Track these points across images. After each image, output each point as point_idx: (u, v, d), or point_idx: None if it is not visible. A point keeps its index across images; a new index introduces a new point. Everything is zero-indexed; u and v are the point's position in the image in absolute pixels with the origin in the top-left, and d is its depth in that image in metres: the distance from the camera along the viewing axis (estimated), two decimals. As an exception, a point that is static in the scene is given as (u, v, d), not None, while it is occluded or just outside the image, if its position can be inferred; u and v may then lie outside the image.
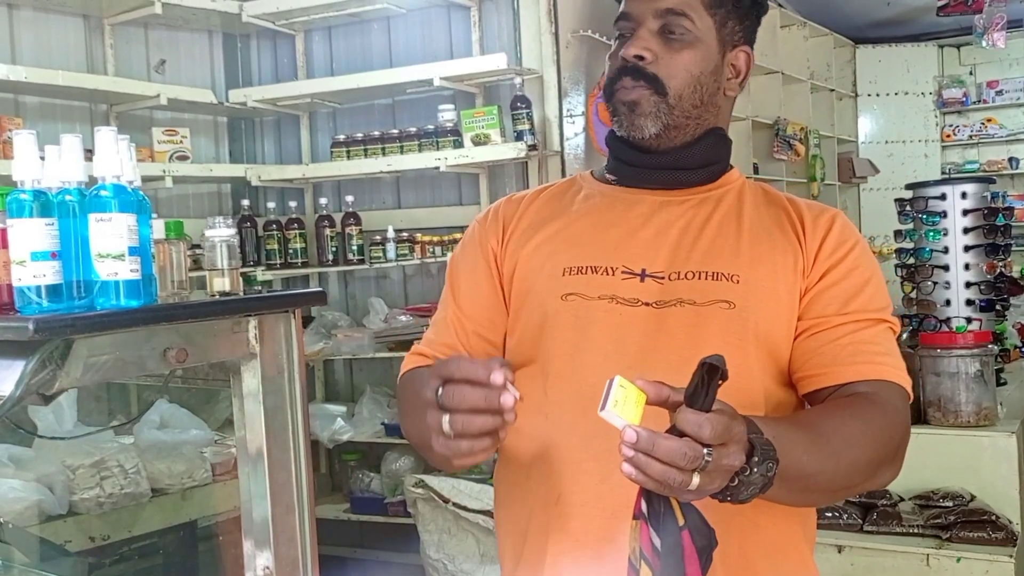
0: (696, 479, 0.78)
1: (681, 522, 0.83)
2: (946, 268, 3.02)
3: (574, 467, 1.08)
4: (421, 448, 1.10)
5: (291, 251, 3.64)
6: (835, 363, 1.08)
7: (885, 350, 1.10)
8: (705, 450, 0.77)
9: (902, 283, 3.20)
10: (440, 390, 0.87)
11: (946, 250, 3.03)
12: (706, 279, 1.10)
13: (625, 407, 0.79)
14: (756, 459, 0.83)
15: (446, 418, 0.86)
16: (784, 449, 0.86)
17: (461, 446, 0.86)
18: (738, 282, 1.10)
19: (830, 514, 2.68)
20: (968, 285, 3.00)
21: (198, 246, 2.41)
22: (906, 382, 1.10)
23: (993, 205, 3.06)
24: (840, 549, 2.64)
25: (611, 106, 1.18)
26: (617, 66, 1.16)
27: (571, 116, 3.41)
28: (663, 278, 1.12)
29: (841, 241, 1.14)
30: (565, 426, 1.09)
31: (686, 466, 0.77)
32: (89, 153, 1.16)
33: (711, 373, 0.79)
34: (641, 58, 1.13)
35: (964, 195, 3.02)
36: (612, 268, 1.13)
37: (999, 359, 2.98)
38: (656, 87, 1.13)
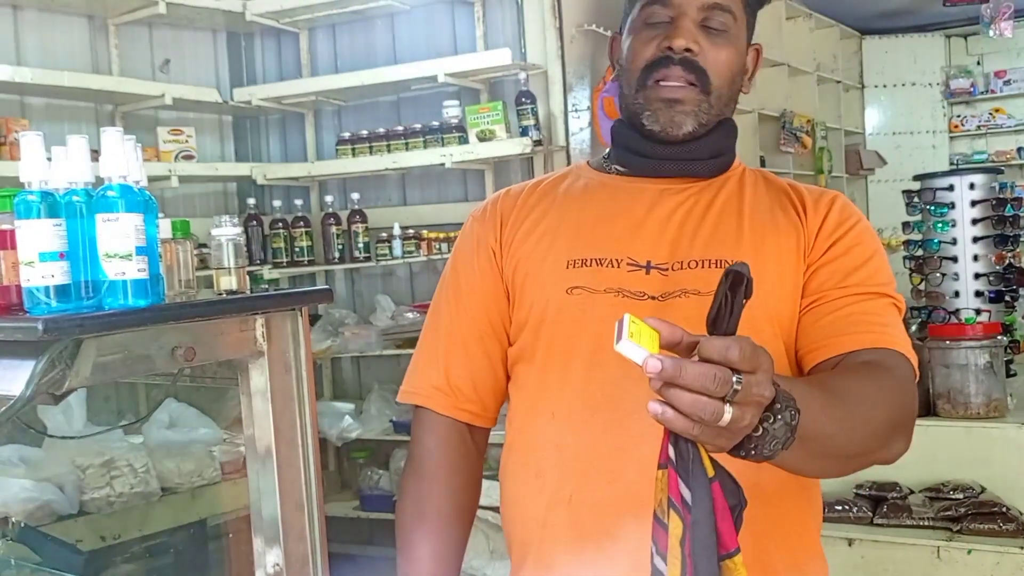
0: (728, 412, 0.72)
1: (711, 473, 0.77)
2: (955, 259, 3.01)
3: (585, 466, 1.07)
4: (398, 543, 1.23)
5: (297, 249, 3.64)
6: (836, 334, 1.06)
7: (887, 321, 1.07)
8: (735, 376, 0.72)
9: (910, 275, 3.19)
10: None
11: (954, 241, 3.01)
12: (709, 267, 1.09)
13: (641, 340, 0.73)
14: (779, 406, 0.77)
15: None
16: (804, 405, 0.81)
17: None
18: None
19: (840, 507, 2.68)
20: (977, 276, 2.98)
21: (205, 245, 2.42)
22: (911, 355, 1.06)
23: (1001, 195, 3.05)
24: (850, 542, 2.63)
25: (642, 97, 1.13)
26: (659, 55, 1.11)
27: (576, 111, 3.41)
28: (667, 269, 1.10)
29: (842, 219, 1.13)
30: (574, 424, 1.08)
31: (716, 390, 0.71)
32: (95, 154, 1.16)
33: (734, 288, 0.73)
34: (689, 51, 1.10)
35: (972, 186, 3.01)
36: (617, 260, 1.11)
37: (1008, 350, 2.97)
38: (703, 83, 1.11)
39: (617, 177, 1.20)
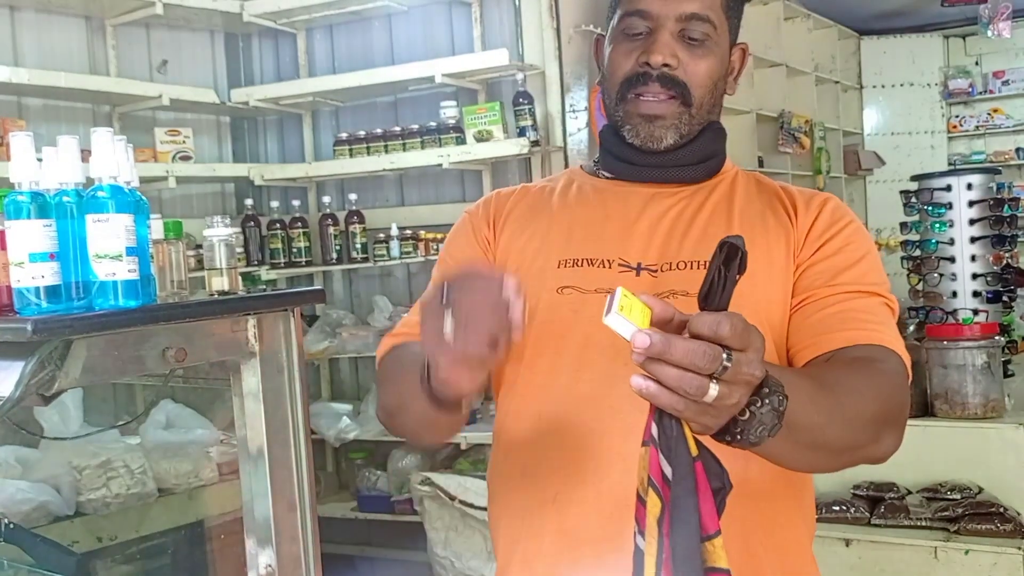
0: (714, 388, 0.70)
1: (695, 452, 0.74)
2: (952, 260, 3.01)
3: (571, 466, 1.06)
4: (396, 416, 1.05)
5: (295, 250, 3.64)
6: (825, 331, 1.04)
7: (878, 320, 1.05)
8: (724, 353, 0.70)
9: (908, 275, 3.19)
10: (447, 289, 0.82)
11: (952, 241, 3.02)
12: (698, 269, 1.08)
13: (631, 315, 0.71)
14: (766, 390, 0.75)
15: (449, 318, 0.81)
16: (792, 392, 0.78)
17: (456, 346, 0.80)
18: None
19: (837, 508, 2.68)
20: (974, 276, 2.99)
21: (201, 246, 2.42)
22: (904, 355, 1.04)
23: (999, 196, 3.05)
24: (848, 543, 2.63)
25: (622, 111, 1.13)
26: (637, 71, 1.11)
27: (574, 111, 3.40)
28: (656, 271, 1.10)
29: (834, 220, 1.12)
30: (560, 423, 1.07)
31: (705, 367, 0.69)
32: (87, 154, 1.16)
33: (728, 262, 0.71)
34: (668, 65, 1.10)
35: (970, 186, 3.01)
36: (608, 261, 1.11)
37: (1006, 350, 2.97)
38: (684, 97, 1.11)
39: (609, 181, 1.19)
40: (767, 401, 0.76)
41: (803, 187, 1.21)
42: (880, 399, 0.96)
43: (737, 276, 0.72)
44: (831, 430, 0.89)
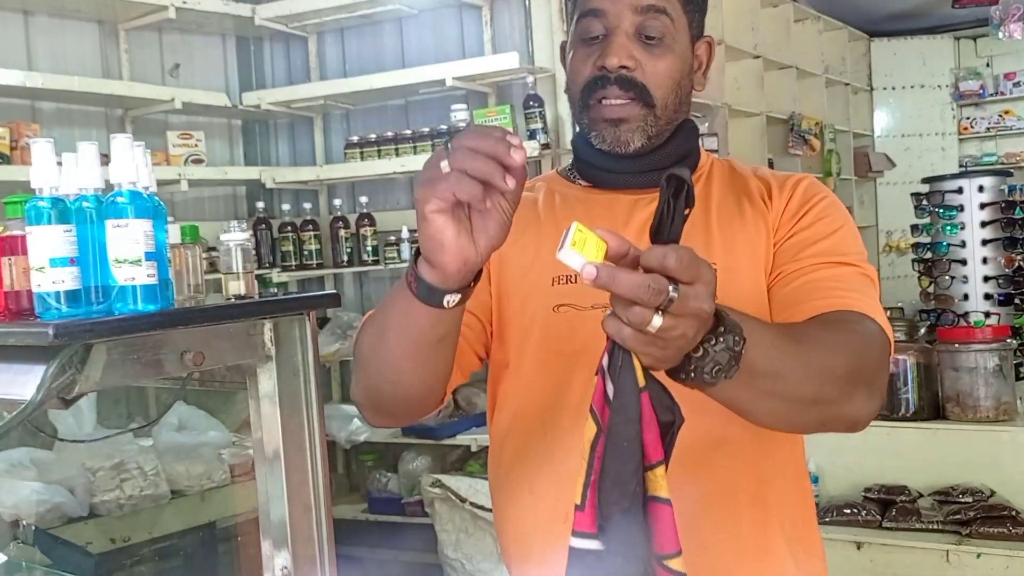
0: (657, 319, 0.70)
1: (642, 383, 0.74)
2: (964, 262, 3.01)
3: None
4: (371, 359, 1.00)
5: (306, 252, 3.66)
6: (793, 303, 1.03)
7: (849, 287, 1.03)
8: (671, 285, 0.70)
9: (919, 278, 3.19)
10: (450, 145, 0.81)
11: (963, 244, 3.01)
12: None
13: (585, 249, 0.72)
14: (723, 329, 0.76)
15: (446, 160, 0.80)
16: (752, 336, 0.78)
17: (450, 178, 0.79)
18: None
19: (848, 511, 2.67)
20: (986, 279, 2.98)
21: (214, 249, 2.44)
22: (882, 320, 1.01)
23: (1011, 198, 3.05)
24: (859, 546, 2.62)
25: (586, 117, 1.11)
26: (595, 75, 1.09)
27: (584, 114, 3.41)
28: None
29: (807, 198, 1.11)
30: (566, 440, 1.06)
31: (649, 300, 0.69)
32: (105, 158, 1.17)
33: (676, 195, 0.73)
34: (625, 67, 1.07)
35: (981, 188, 3.01)
36: None
37: (1018, 353, 2.96)
38: (644, 98, 1.08)
39: (589, 189, 1.17)
40: (722, 340, 0.76)
41: (780, 171, 1.19)
42: (851, 354, 0.93)
43: (686, 210, 0.74)
44: (794, 379, 0.87)
